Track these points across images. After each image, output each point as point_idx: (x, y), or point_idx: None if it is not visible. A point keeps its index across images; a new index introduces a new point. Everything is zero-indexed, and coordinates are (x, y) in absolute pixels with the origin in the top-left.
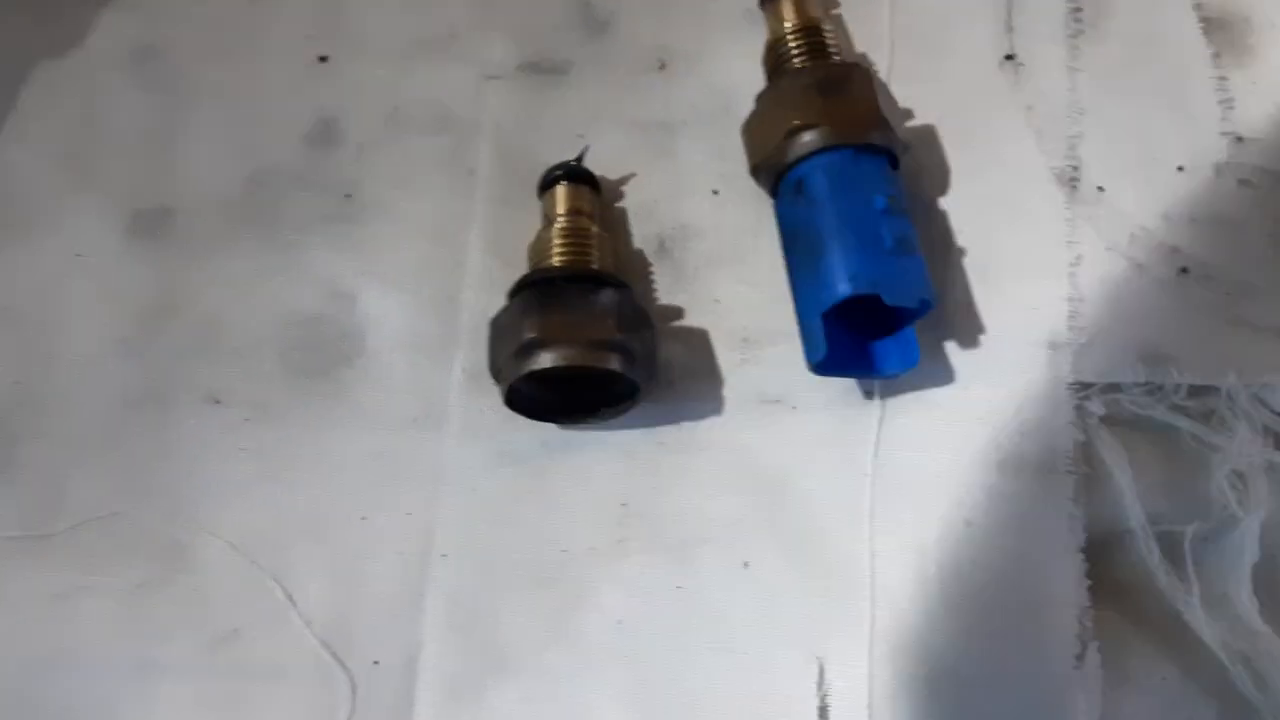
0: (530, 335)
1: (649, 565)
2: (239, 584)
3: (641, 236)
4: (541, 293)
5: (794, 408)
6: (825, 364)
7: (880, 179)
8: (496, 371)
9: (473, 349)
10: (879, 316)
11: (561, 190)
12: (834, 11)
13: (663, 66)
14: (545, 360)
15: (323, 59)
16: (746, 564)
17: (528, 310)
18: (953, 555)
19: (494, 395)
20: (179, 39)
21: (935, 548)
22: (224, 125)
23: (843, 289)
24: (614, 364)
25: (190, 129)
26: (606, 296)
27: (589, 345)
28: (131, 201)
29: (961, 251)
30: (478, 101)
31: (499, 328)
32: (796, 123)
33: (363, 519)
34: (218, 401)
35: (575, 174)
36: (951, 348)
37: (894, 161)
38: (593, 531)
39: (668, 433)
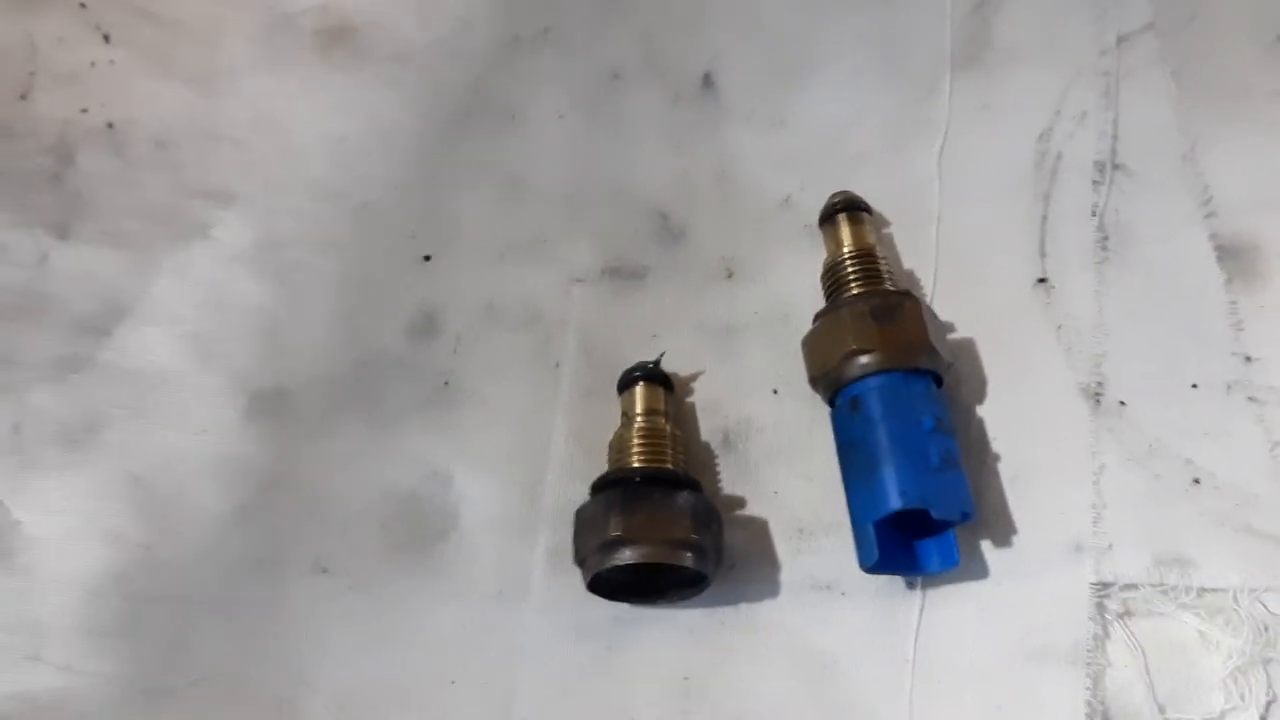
0: (615, 533)
1: None
2: None
3: (708, 430)
4: (625, 492)
5: (843, 594)
6: (876, 566)
7: (928, 400)
8: (581, 560)
9: (554, 530)
10: (924, 520)
11: (640, 390)
12: (885, 230)
13: (730, 275)
14: (628, 556)
15: (426, 258)
16: None
17: (612, 508)
18: None
19: (573, 573)
20: (295, 234)
21: None
22: (334, 315)
23: (894, 503)
24: (688, 561)
25: (304, 316)
26: (683, 499)
27: (667, 544)
28: (250, 382)
29: (996, 457)
30: (564, 301)
31: (584, 520)
32: (854, 347)
33: (451, 683)
34: (325, 570)
35: (652, 375)
36: (986, 546)
37: (939, 381)
38: (658, 703)
39: (728, 613)
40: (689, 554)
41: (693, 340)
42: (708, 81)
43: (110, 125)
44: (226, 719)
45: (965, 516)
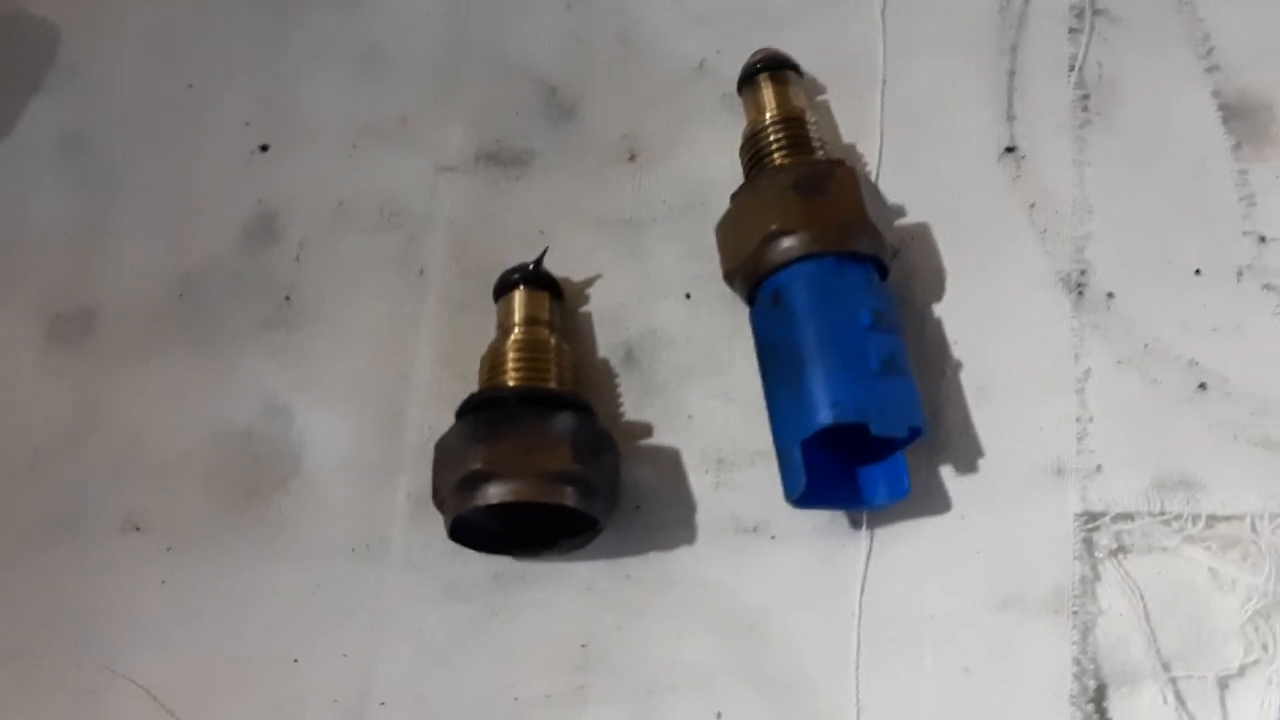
0: (476, 465)
1: (611, 716)
2: None
3: (607, 345)
4: (491, 416)
5: (773, 537)
6: (806, 497)
7: (866, 291)
8: (440, 501)
9: (419, 472)
10: (865, 441)
11: (518, 296)
12: (820, 98)
13: (632, 158)
14: (492, 495)
15: (264, 148)
16: (719, 715)
17: (475, 436)
18: (948, 707)
19: (443, 524)
20: (111, 126)
21: (929, 699)
22: (155, 219)
23: (824, 417)
24: (569, 499)
25: (118, 223)
26: (562, 422)
27: (542, 478)
28: (51, 304)
29: (958, 365)
30: (431, 195)
31: (443, 452)
32: (774, 227)
33: (294, 661)
34: (137, 529)
35: (534, 278)
36: (947, 473)
37: (882, 270)
38: (549, 677)
39: (634, 564)
40: (570, 490)
41: (588, 238)
42: None
43: None
44: (19, 710)
45: (915, 433)
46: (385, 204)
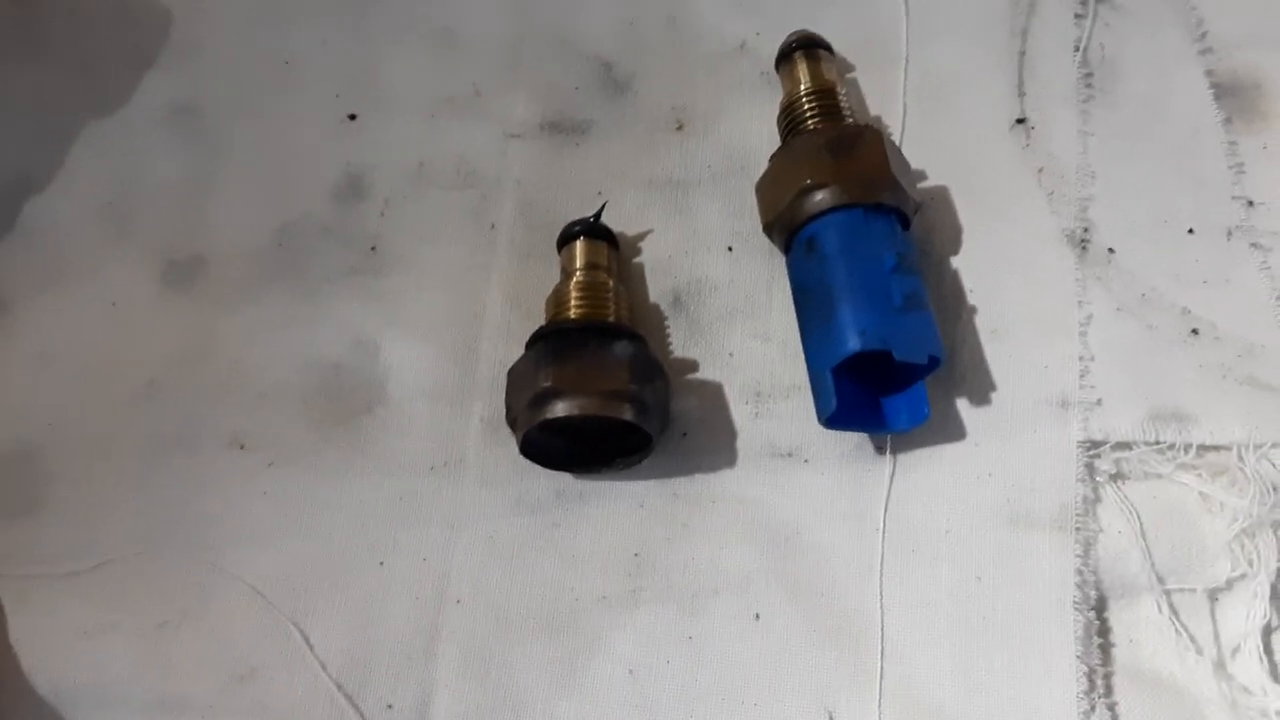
0: (545, 384)
1: (660, 615)
2: (258, 625)
3: (657, 291)
4: (557, 343)
5: (806, 461)
6: (835, 418)
7: (890, 238)
8: (512, 420)
9: (491, 399)
10: (889, 373)
11: (580, 245)
12: (849, 75)
13: (680, 127)
14: (559, 409)
15: (351, 117)
16: (757, 615)
17: (543, 360)
18: (962, 610)
19: (511, 445)
20: (214, 97)
21: (945, 602)
22: (255, 179)
23: (852, 344)
24: (627, 414)
25: (223, 183)
26: (621, 348)
27: (603, 395)
28: (165, 252)
29: (972, 310)
30: (501, 158)
31: (515, 377)
32: (808, 182)
33: (380, 564)
34: (241, 446)
35: (593, 230)
36: (963, 405)
37: (905, 221)
38: (605, 580)
39: (681, 484)
40: (628, 406)
41: (640, 197)
42: None
43: None
44: (136, 603)
45: (934, 362)
46: (460, 166)
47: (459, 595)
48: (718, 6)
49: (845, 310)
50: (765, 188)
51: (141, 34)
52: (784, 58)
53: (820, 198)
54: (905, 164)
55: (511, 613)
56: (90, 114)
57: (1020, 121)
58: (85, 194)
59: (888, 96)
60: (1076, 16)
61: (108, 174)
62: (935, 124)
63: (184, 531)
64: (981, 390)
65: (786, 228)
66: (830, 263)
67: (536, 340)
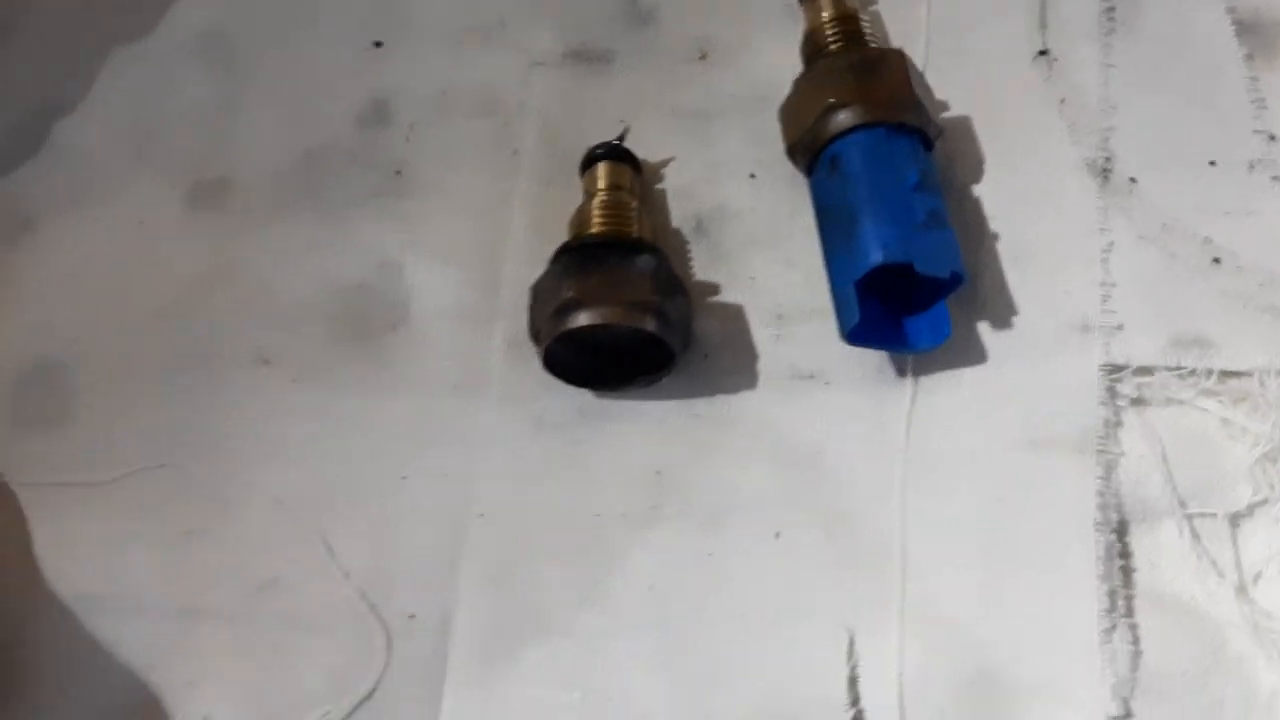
0: (569, 294)
1: (681, 532)
2: (280, 536)
3: (680, 217)
4: (580, 256)
5: (827, 384)
6: (858, 332)
7: (913, 157)
8: (535, 333)
9: (513, 319)
10: (911, 294)
11: (603, 167)
12: (871, 7)
13: (703, 57)
14: (582, 319)
15: (377, 44)
16: (778, 534)
17: (566, 272)
18: (983, 531)
19: (533, 364)
20: (243, 25)
21: (966, 523)
22: (281, 105)
23: (875, 257)
24: (649, 325)
25: (249, 108)
26: (643, 261)
27: (626, 305)
28: (191, 174)
29: (994, 236)
30: (524, 87)
31: (539, 290)
32: (831, 101)
33: (402, 479)
34: (267, 363)
35: (616, 152)
36: (984, 328)
37: (927, 143)
38: (626, 498)
39: (701, 404)
40: (651, 318)
41: (663, 125)
42: None
43: None
44: (159, 513)
45: (956, 277)
46: (484, 93)
47: (482, 510)
48: None
49: (868, 226)
50: (788, 110)
51: None
52: None
53: (843, 117)
54: (928, 89)
55: (533, 528)
56: (118, 41)
57: (1042, 53)
58: (112, 117)
59: (909, 28)
60: None
61: (135, 98)
62: (957, 56)
63: (208, 445)
64: (1002, 315)
65: (809, 148)
66: (853, 181)
67: (559, 255)
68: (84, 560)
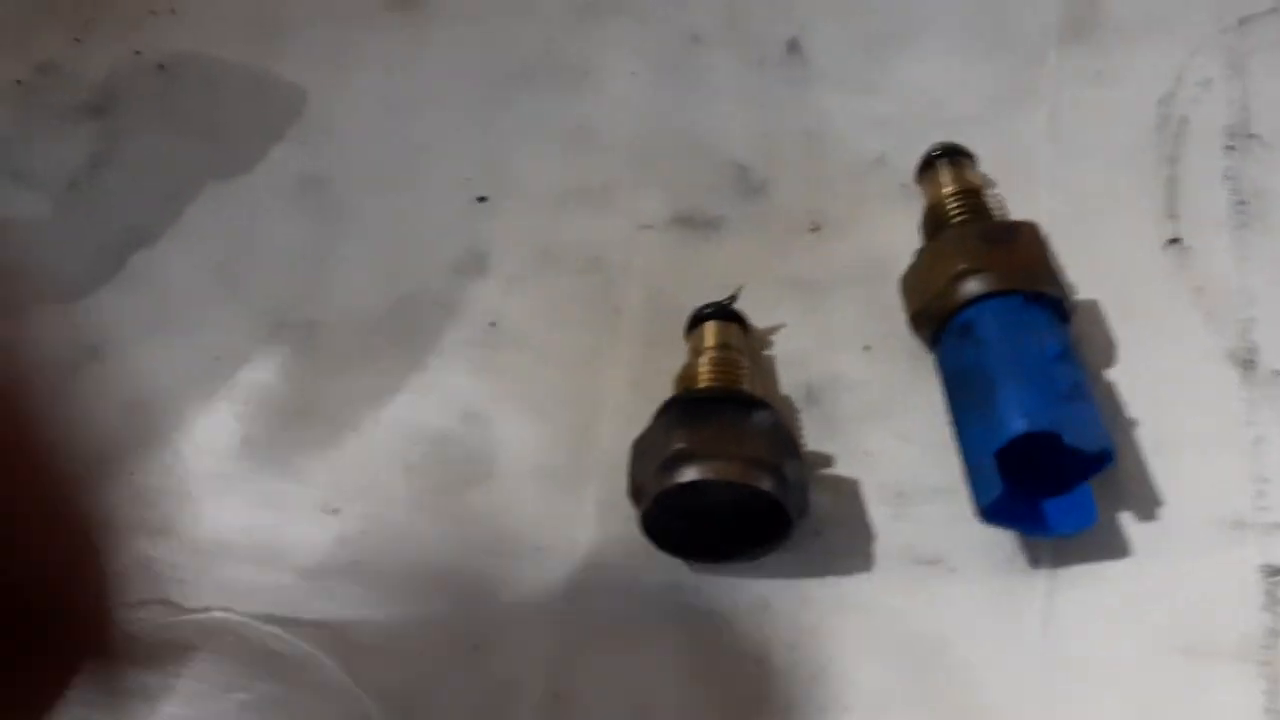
0: (679, 446)
1: None
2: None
3: (790, 384)
4: (691, 409)
5: (951, 570)
6: (996, 508)
7: (1052, 326)
8: (636, 490)
9: (605, 482)
10: (1049, 476)
11: (711, 326)
12: (992, 191)
13: (815, 229)
14: (693, 473)
15: (481, 199)
16: None
17: (675, 424)
18: None
19: (625, 530)
20: (343, 172)
21: None
22: (377, 252)
23: (1018, 425)
24: (767, 485)
25: (343, 252)
26: (761, 417)
27: (742, 462)
28: (277, 314)
29: (1132, 423)
30: (629, 247)
31: (642, 444)
32: (963, 267)
33: (475, 648)
34: (335, 511)
35: (726, 312)
36: (1126, 519)
37: (1064, 316)
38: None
39: (811, 586)
40: (769, 478)
41: (773, 294)
42: (793, 47)
43: (161, 66)
44: None
45: (1105, 455)
46: (587, 251)
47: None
48: (853, 124)
49: (1008, 394)
50: (912, 277)
51: (275, 110)
52: (927, 165)
53: (976, 284)
54: (1058, 264)
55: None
56: (213, 178)
57: (1174, 241)
58: (199, 252)
59: (1032, 214)
60: (1227, 148)
61: (224, 234)
62: (1083, 242)
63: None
64: (1146, 506)
65: (937, 316)
66: (989, 346)
67: (666, 408)
68: None
